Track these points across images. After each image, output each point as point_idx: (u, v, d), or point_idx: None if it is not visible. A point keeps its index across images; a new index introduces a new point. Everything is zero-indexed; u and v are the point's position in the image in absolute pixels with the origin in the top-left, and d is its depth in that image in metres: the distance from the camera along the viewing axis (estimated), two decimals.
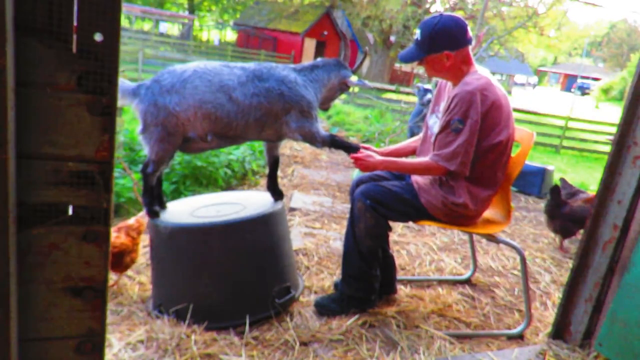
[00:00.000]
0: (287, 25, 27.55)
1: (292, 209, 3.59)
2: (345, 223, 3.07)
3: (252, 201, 2.25)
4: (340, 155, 5.87)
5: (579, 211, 3.47)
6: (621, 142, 1.85)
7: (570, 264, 2.93)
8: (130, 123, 5.09)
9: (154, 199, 2.06)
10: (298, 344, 1.90)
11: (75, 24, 0.75)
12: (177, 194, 3.91)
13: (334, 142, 2.07)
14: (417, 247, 3.16)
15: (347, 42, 2.17)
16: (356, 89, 12.66)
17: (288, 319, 2.06)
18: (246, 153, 4.92)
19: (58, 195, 0.81)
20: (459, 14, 2.94)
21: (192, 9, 35.45)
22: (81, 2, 0.75)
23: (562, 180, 4.05)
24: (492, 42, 18.68)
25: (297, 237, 3.01)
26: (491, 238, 2.16)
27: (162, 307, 2.04)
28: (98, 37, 0.77)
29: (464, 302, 2.45)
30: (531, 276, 2.95)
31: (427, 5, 22.65)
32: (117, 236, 2.26)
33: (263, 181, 4.55)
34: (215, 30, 39.11)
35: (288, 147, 6.01)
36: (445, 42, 1.94)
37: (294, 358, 1.82)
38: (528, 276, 2.69)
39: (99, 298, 0.87)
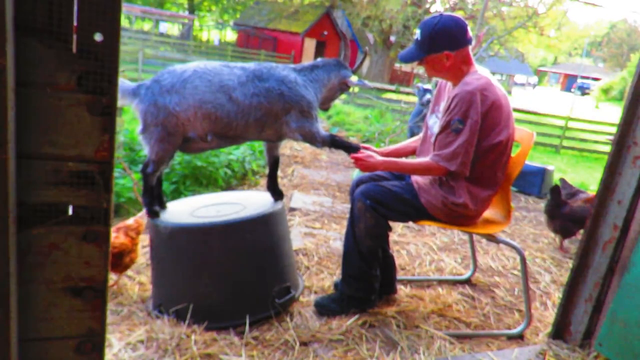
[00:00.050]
0: (287, 25, 27.55)
1: (292, 209, 3.59)
2: (345, 223, 3.07)
3: (252, 201, 2.25)
4: (340, 155, 5.87)
5: (579, 211, 3.47)
6: (621, 142, 1.85)
7: (570, 264, 2.93)
8: (130, 123, 5.09)
9: (154, 199, 2.06)
10: (298, 344, 1.90)
11: (75, 24, 0.75)
12: (177, 194, 3.91)
13: (334, 142, 2.07)
14: (417, 247, 3.16)
15: (347, 42, 2.17)
16: (356, 89, 12.65)
17: (288, 319, 2.06)
18: (246, 153, 4.92)
19: (58, 195, 0.81)
20: (459, 14, 2.94)
21: (192, 9, 35.45)
22: (81, 2, 0.75)
23: (562, 180, 4.05)
24: (492, 42, 18.68)
25: (297, 237, 3.01)
26: (491, 238, 2.16)
27: (162, 307, 2.04)
28: (98, 37, 0.77)
29: (464, 302, 2.45)
30: (531, 276, 2.95)
31: (427, 5, 22.65)
32: (115, 236, 2.26)
33: (263, 181, 4.55)
34: (215, 30, 39.12)
35: (288, 147, 6.01)
36: (445, 42, 1.94)
37: (294, 358, 1.82)
38: (528, 276, 2.69)
39: (99, 298, 0.87)
